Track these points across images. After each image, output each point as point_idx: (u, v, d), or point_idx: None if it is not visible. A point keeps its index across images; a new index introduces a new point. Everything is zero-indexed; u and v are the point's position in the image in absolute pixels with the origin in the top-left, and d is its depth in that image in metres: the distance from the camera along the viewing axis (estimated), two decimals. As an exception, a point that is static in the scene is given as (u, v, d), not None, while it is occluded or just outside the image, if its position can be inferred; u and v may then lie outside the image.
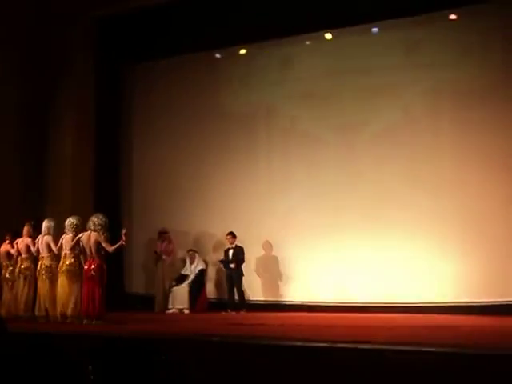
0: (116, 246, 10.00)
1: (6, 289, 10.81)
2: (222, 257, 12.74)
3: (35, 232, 10.88)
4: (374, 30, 12.22)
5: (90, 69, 14.11)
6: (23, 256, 10.79)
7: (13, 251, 10.88)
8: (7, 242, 11.03)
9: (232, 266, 12.46)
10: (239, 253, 12.54)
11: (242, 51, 13.43)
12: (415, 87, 11.88)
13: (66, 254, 10.16)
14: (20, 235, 10.92)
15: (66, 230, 10.27)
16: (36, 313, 10.45)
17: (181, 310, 12.62)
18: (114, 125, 14.53)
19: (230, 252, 12.59)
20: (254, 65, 13.34)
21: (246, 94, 13.42)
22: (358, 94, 12.31)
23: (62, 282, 10.12)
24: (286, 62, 13.02)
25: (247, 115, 13.31)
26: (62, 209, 12.97)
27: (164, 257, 13.09)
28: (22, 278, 10.71)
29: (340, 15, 12.06)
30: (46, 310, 10.34)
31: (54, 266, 10.42)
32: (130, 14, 13.61)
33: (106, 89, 14.27)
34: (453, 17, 11.58)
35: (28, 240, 10.76)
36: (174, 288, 12.89)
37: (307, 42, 12.85)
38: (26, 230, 10.89)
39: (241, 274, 12.55)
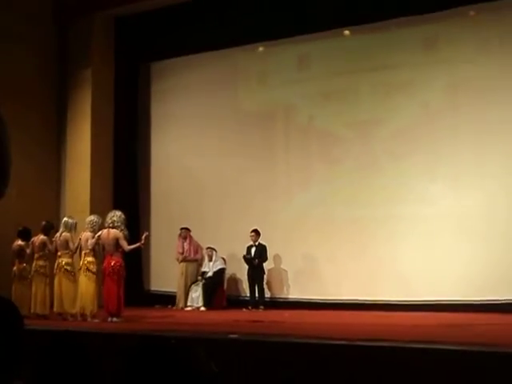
0: (133, 247, 10.01)
1: (18, 286, 10.74)
2: (242, 254, 12.72)
3: (50, 230, 10.89)
4: (392, 26, 12.16)
5: (108, 66, 14.22)
6: (38, 254, 10.68)
7: (28, 250, 10.85)
8: (19, 239, 10.96)
9: (255, 262, 12.41)
10: (262, 250, 12.52)
11: (260, 49, 13.42)
12: (434, 84, 11.81)
13: (86, 252, 10.15)
14: (31, 233, 10.89)
15: (86, 228, 10.29)
16: (54, 310, 10.49)
17: (198, 307, 12.65)
18: (132, 122, 14.60)
19: (253, 249, 12.58)
20: (271, 62, 13.31)
21: (264, 91, 13.41)
22: (376, 91, 12.28)
23: (82, 280, 10.11)
24: (303, 60, 12.98)
25: (265, 113, 13.29)
26: (79, 206, 13.05)
27: (191, 257, 13.09)
28: (38, 276, 10.65)
29: (358, 12, 12.03)
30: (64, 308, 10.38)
31: (72, 264, 10.45)
32: (148, 12, 13.70)
33: (124, 86, 14.37)
34: (471, 13, 11.50)
35: (44, 238, 10.72)
36: (193, 285, 12.92)
37: (325, 40, 12.80)
38: (41, 227, 10.90)
39: (262, 272, 12.56)
